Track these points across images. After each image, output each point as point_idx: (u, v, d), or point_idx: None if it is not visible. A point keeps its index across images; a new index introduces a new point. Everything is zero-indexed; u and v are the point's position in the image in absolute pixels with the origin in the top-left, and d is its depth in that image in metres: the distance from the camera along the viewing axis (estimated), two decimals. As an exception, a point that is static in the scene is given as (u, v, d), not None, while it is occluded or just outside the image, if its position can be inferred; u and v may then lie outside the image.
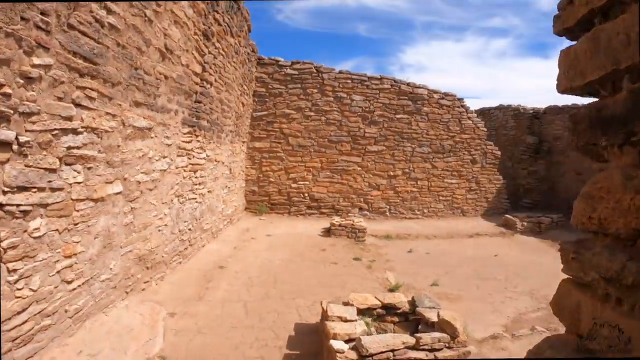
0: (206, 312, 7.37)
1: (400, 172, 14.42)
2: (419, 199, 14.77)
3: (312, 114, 14.12)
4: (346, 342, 5.59)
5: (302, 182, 13.87)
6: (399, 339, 5.41)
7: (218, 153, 10.63)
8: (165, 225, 7.85)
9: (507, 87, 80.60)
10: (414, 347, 5.45)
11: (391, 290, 9.18)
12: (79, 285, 5.30)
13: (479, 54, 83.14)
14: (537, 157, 16.87)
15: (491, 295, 9.26)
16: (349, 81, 14.37)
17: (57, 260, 4.78)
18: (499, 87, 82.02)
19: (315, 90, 14.16)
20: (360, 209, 14.22)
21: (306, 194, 13.94)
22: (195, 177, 9.20)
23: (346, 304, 6.61)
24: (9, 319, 4.05)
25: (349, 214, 13.80)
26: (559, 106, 16.89)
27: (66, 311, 5.09)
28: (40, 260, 4.44)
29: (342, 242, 12.10)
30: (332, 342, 5.46)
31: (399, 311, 6.67)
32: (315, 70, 14.24)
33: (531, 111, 18.27)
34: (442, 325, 5.77)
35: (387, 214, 14.39)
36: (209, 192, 10.16)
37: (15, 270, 4.07)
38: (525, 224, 13.99)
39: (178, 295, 7.86)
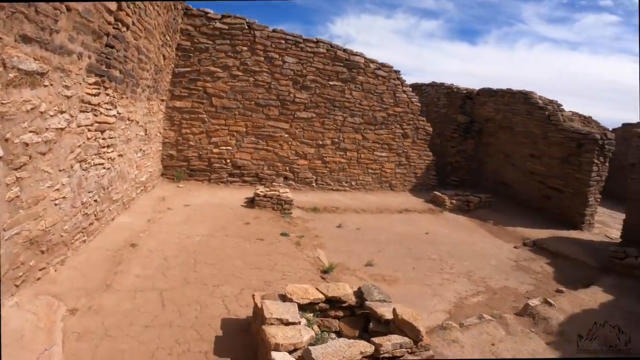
0: (115, 305, 5.88)
1: (330, 142, 13.29)
2: (347, 170, 13.82)
3: (239, 73, 12.39)
4: (291, 352, 4.48)
5: (224, 147, 12.25)
6: (356, 347, 4.40)
7: (132, 111, 8.75)
8: (64, 197, 6.08)
9: (433, 67, 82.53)
10: (373, 356, 4.47)
11: (325, 271, 8.21)
12: None
13: (408, 32, 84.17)
14: (466, 136, 16.54)
15: (428, 276, 8.66)
16: (283, 41, 12.76)
17: None
18: (426, 66, 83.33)
19: (245, 49, 12.41)
20: (286, 178, 12.98)
21: (228, 160, 12.37)
22: (103, 139, 7.38)
23: (284, 297, 5.47)
24: None
25: (274, 183, 12.54)
26: (493, 89, 16.59)
27: None
28: None
29: (267, 215, 10.86)
30: (274, 355, 4.31)
31: (344, 305, 5.66)
32: (247, 27, 12.40)
33: (464, 91, 17.81)
34: (401, 326, 4.85)
35: (314, 184, 13.31)
36: (119, 156, 8.35)
37: None
38: (454, 201, 13.59)
39: (81, 283, 6.23)
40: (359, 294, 5.75)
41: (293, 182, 13.02)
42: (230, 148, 12.26)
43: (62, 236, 6.18)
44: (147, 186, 10.52)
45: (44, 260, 5.74)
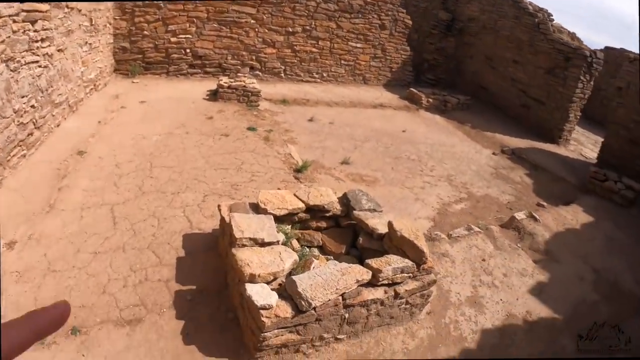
0: (59, 230, 4.63)
1: (301, 29, 11.09)
2: (319, 60, 11.78)
3: None
4: (269, 282, 3.42)
5: (183, 36, 10.01)
6: (351, 275, 3.35)
7: None
8: None
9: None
10: (370, 283, 3.48)
11: (298, 170, 7.06)
12: None
13: None
14: (447, 34, 14.14)
15: (409, 178, 7.57)
16: None
17: None
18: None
19: None
20: (252, 68, 11.05)
21: (188, 50, 10.21)
22: (35, 31, 5.44)
23: (256, 207, 4.31)
24: None
25: (239, 74, 10.64)
26: (479, -13, 13.91)
27: None
28: None
29: (232, 108, 9.25)
30: (250, 289, 3.24)
31: (327, 214, 4.57)
32: None
33: None
34: (401, 245, 3.79)
35: (282, 75, 11.44)
36: (59, 51, 6.38)
37: None
38: (430, 100, 11.92)
39: (21, 208, 4.90)
40: (345, 201, 4.63)
41: (260, 73, 11.15)
42: (190, 37, 10.05)
43: None
44: (97, 84, 8.61)
45: None
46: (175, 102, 9.05)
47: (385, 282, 3.46)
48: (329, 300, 3.15)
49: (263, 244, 3.67)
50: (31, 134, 5.79)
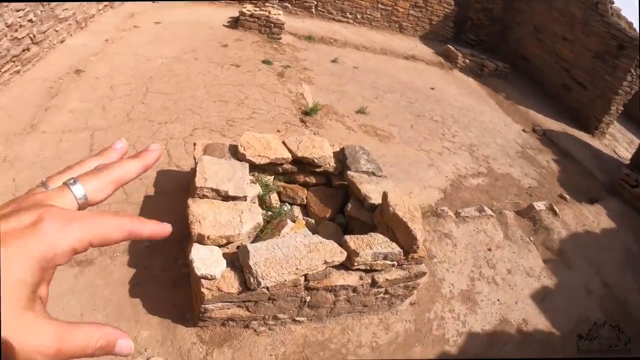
0: (34, 154, 4.03)
1: None
2: (354, 0, 10.25)
3: None
4: (222, 246, 2.70)
5: None
6: (319, 253, 2.57)
7: None
8: None
9: None
10: (344, 265, 2.70)
11: (306, 113, 6.14)
12: None
13: None
14: None
15: (427, 140, 6.48)
16: None
17: None
18: None
19: None
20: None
21: None
22: None
23: (235, 151, 3.51)
24: None
25: (266, 3, 9.46)
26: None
27: None
28: None
29: (251, 38, 8.21)
30: (195, 253, 2.55)
31: (318, 170, 3.72)
32: None
33: None
34: (392, 223, 2.95)
35: (313, 10, 10.10)
36: None
37: None
38: (467, 61, 10.25)
39: (4, 127, 4.31)
40: (342, 157, 3.77)
41: (289, 5, 9.86)
42: None
43: None
44: (113, 1, 7.69)
45: None
46: (192, 26, 8.06)
47: (362, 267, 2.70)
48: (285, 280, 2.42)
49: (226, 198, 2.92)
50: (27, 49, 5.08)
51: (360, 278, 2.69)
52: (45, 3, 5.15)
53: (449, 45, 10.55)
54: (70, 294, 2.95)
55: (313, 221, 3.58)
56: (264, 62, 7.32)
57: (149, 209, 3.62)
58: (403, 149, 6.06)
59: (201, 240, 2.58)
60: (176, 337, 2.77)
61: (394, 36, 10.73)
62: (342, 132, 6.01)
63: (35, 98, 4.85)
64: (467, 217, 4.57)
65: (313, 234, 3.42)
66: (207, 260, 2.49)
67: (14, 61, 4.81)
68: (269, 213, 3.52)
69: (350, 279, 2.65)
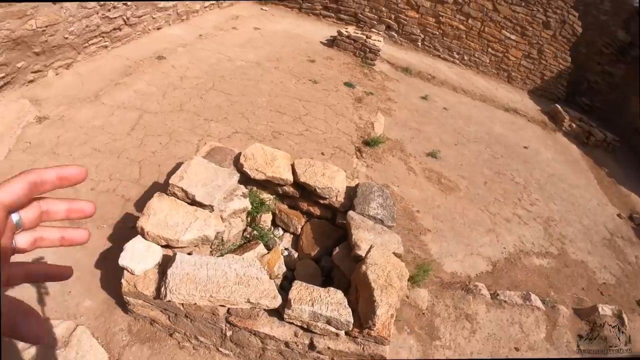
0: (86, 120, 4.45)
1: (452, 0, 9.34)
2: (463, 40, 9.70)
3: None
4: (164, 247, 2.56)
5: None
6: (248, 289, 2.28)
7: None
8: None
9: None
10: (277, 312, 2.35)
11: (367, 143, 5.81)
12: None
13: None
14: (620, 58, 10.44)
15: (498, 202, 5.71)
16: None
17: None
18: None
19: None
20: (389, 27, 9.66)
21: None
22: None
23: (237, 159, 3.38)
24: None
25: (372, 29, 9.44)
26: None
27: None
28: None
29: (343, 59, 8.19)
30: (131, 243, 2.48)
31: (323, 201, 3.41)
32: None
33: (638, 7, 10.84)
34: (360, 286, 2.53)
35: (419, 43, 9.80)
36: None
37: None
38: (574, 125, 9.01)
39: (74, 91, 4.87)
40: (352, 194, 3.42)
41: (395, 35, 9.71)
42: None
43: (66, 38, 4.71)
44: (220, 1, 8.37)
45: (39, 62, 4.54)
46: (289, 38, 8.35)
47: (297, 323, 2.30)
48: (196, 304, 2.16)
49: (193, 202, 2.78)
50: (119, 29, 5.69)
51: (295, 334, 2.29)
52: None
53: (557, 105, 9.28)
54: (46, 251, 3.09)
55: (296, 255, 3.26)
56: (346, 84, 7.22)
57: (151, 194, 3.67)
58: (464, 205, 5.39)
59: (142, 233, 2.48)
60: (111, 317, 2.70)
61: (499, 85, 9.83)
62: (400, 171, 5.58)
63: (111, 73, 5.37)
64: (505, 301, 3.80)
65: (291, 269, 3.16)
66: (137, 254, 2.37)
67: (102, 37, 5.40)
68: (254, 232, 3.30)
69: (282, 331, 2.27)
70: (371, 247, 2.67)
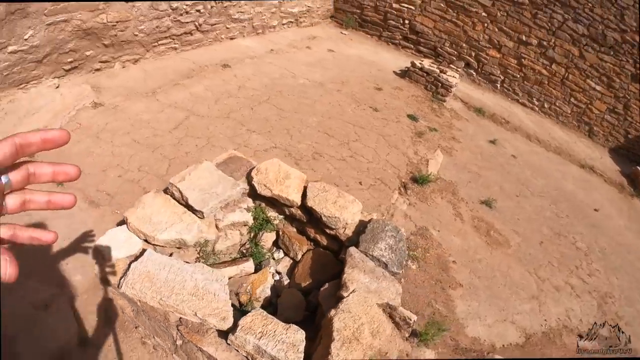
0: (137, 113, 4.83)
1: (536, 42, 8.47)
2: (544, 86, 8.90)
3: None
4: (146, 241, 2.57)
5: (406, 5, 9.01)
6: (200, 303, 2.21)
7: None
8: None
9: None
10: (226, 334, 2.23)
11: (416, 180, 5.53)
12: None
13: None
14: None
15: (551, 266, 5.07)
16: None
17: None
18: None
19: None
20: (468, 65, 9.25)
21: (407, 22, 9.22)
22: None
23: (249, 173, 3.33)
24: None
25: (451, 65, 9.13)
26: None
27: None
28: None
29: (412, 91, 7.98)
30: (115, 229, 2.55)
31: (330, 232, 3.25)
32: None
33: None
34: (324, 332, 2.36)
35: (498, 85, 9.21)
36: None
37: None
38: None
39: (135, 85, 5.34)
40: (360, 230, 3.20)
41: (474, 73, 9.27)
42: (412, 8, 9.02)
43: (135, 35, 5.18)
44: (300, 20, 8.66)
45: (107, 54, 5.01)
46: (361, 63, 8.35)
47: (242, 352, 2.11)
48: (147, 303, 2.12)
49: (187, 205, 2.79)
50: (189, 33, 6.09)
51: (242, 365, 2.15)
52: (218, 1, 6.09)
53: (639, 168, 8.13)
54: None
55: (287, 282, 3.12)
56: (409, 116, 7.01)
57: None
58: (510, 264, 4.87)
59: (126, 223, 2.53)
60: (93, 296, 2.77)
61: (578, 138, 8.85)
62: (445, 216, 5.22)
63: (173, 73, 5.74)
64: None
65: (278, 295, 3.01)
66: (115, 242, 2.42)
67: (172, 39, 5.79)
68: (252, 249, 3.23)
69: (225, 356, 2.12)
70: (354, 291, 2.45)
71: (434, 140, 6.68)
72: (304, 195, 3.24)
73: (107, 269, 2.34)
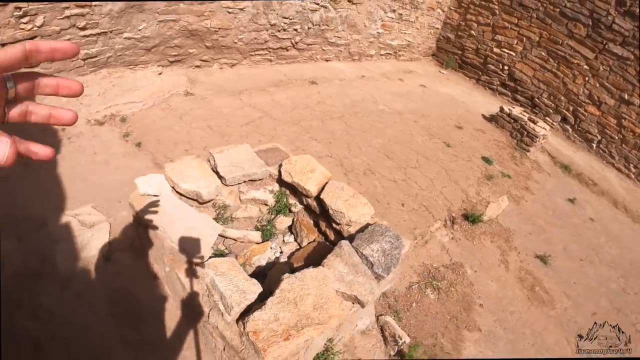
0: (219, 106, 5.72)
1: (638, 103, 7.83)
2: None
3: None
4: (173, 189, 3.17)
5: (507, 51, 8.86)
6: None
7: None
8: (241, 9, 5.80)
9: None
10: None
11: (467, 217, 5.53)
12: (94, 34, 4.64)
13: None
14: None
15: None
16: None
17: (67, 7, 4.35)
18: None
19: None
20: (564, 119, 8.58)
21: (506, 68, 9.00)
22: None
23: (284, 172, 3.78)
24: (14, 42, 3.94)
25: (546, 118, 8.68)
26: None
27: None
28: (48, 5, 4.04)
29: (496, 135, 7.82)
30: (151, 176, 3.18)
31: (336, 226, 3.56)
32: None
33: None
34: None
35: (593, 145, 8.38)
36: (348, 1, 7.14)
37: (19, 8, 3.99)
38: None
39: (226, 84, 6.27)
40: (364, 228, 3.39)
41: (569, 129, 8.62)
42: (513, 54, 8.84)
43: (235, 42, 6.09)
44: (398, 53, 9.08)
45: (207, 55, 6.00)
46: (450, 102, 8.46)
47: (203, 284, 2.49)
48: (151, 231, 2.67)
49: (215, 171, 3.34)
50: (285, 49, 6.86)
51: (204, 294, 2.56)
52: (315, 23, 6.81)
53: None
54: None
55: (283, 262, 3.46)
56: (483, 158, 6.94)
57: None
58: (548, 326, 4.55)
59: (162, 170, 3.16)
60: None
61: None
62: (489, 259, 5.10)
63: (263, 81, 6.51)
64: None
65: (264, 276, 3.35)
66: (150, 182, 3.04)
67: (268, 51, 6.59)
68: (264, 224, 3.64)
69: (187, 280, 2.56)
70: (310, 266, 2.71)
71: (503, 186, 6.51)
72: (321, 189, 3.59)
73: (133, 197, 2.95)
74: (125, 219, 3.47)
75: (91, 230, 3.16)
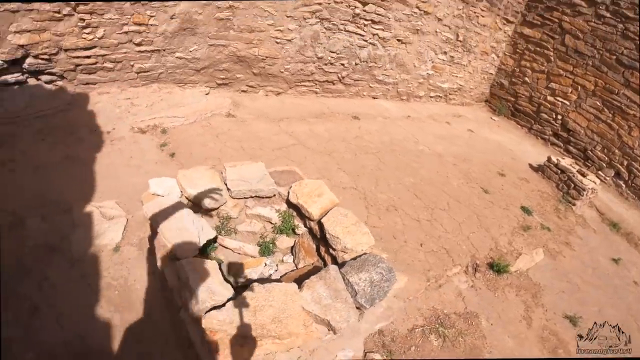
0: (256, 130, 5.98)
1: None
2: None
3: (607, 14, 7.64)
4: (182, 193, 3.47)
5: (560, 99, 8.46)
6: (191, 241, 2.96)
7: (426, 1, 7.22)
8: (289, 40, 6.20)
9: None
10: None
11: (492, 266, 5.26)
12: (148, 51, 5.18)
13: None
14: None
15: None
16: None
17: (126, 24, 4.81)
18: None
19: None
20: (618, 175, 7.90)
21: (559, 117, 8.55)
22: (365, 11, 6.63)
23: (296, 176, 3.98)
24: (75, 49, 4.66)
25: (599, 172, 8.16)
26: None
27: (131, 65, 5.17)
28: (109, 19, 4.61)
29: (541, 186, 7.41)
30: (165, 179, 3.51)
31: (333, 252, 3.64)
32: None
33: None
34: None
35: None
36: (398, 40, 7.33)
37: (83, 20, 4.49)
38: None
39: (268, 111, 6.54)
40: (358, 257, 3.46)
41: (623, 185, 7.92)
42: (567, 103, 8.40)
43: (281, 72, 6.46)
44: (449, 96, 9.05)
45: (255, 81, 6.39)
46: (496, 149, 8.22)
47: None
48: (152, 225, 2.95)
49: (224, 182, 3.60)
50: (331, 82, 7.10)
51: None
52: (363, 59, 7.06)
53: None
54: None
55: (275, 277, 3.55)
56: (522, 208, 6.63)
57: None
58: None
59: (178, 173, 3.48)
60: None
61: None
62: (510, 313, 4.79)
63: (306, 112, 6.77)
64: None
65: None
66: (161, 184, 3.37)
67: (314, 83, 6.86)
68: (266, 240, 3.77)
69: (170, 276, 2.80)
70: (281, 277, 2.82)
71: (540, 239, 6.16)
72: (324, 214, 3.69)
73: (145, 195, 3.27)
74: (142, 217, 3.79)
75: (109, 222, 3.51)
